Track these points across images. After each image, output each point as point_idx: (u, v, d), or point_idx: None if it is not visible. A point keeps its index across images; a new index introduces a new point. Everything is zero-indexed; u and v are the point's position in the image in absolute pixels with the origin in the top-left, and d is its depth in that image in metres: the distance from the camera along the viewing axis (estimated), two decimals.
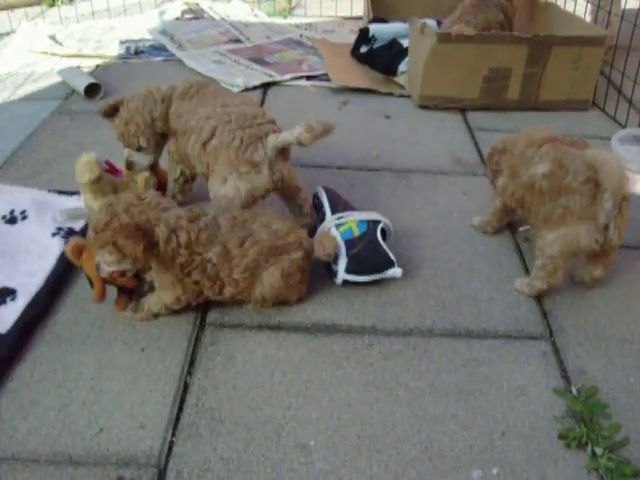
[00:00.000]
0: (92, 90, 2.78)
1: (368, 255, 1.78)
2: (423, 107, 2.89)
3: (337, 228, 1.83)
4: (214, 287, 1.60)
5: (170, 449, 1.37)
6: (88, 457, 1.34)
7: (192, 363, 1.57)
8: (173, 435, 1.40)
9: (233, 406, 1.46)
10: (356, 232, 1.81)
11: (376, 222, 1.86)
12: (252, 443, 1.38)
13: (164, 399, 1.47)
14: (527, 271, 1.90)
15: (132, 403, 1.46)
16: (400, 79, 3.05)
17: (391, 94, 3.01)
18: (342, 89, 3.05)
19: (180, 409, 1.46)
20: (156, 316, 1.68)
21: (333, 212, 1.88)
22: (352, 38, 3.51)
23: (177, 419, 1.43)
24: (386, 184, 2.31)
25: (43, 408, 1.44)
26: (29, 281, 1.76)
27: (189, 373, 1.54)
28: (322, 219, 1.90)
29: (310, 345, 1.63)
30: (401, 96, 3.02)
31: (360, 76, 3.11)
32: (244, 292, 1.64)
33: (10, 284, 1.75)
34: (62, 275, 1.80)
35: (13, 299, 1.71)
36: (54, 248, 1.87)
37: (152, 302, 1.65)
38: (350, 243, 1.79)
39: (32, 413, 1.42)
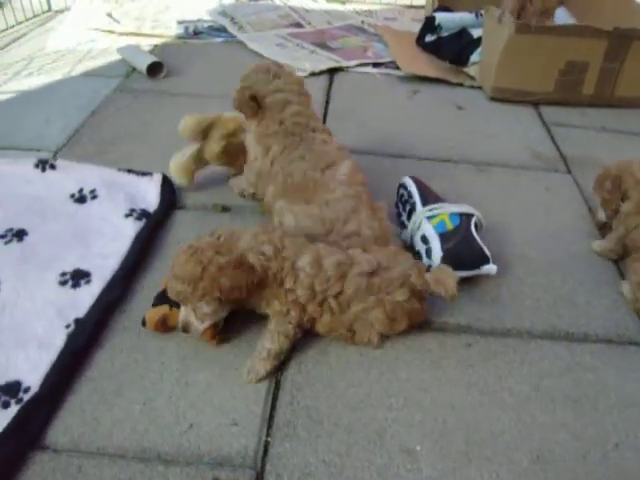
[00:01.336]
0: (154, 69, 2.69)
1: (463, 250, 1.68)
2: (495, 99, 2.77)
3: (429, 220, 1.73)
4: (313, 301, 1.42)
5: (266, 449, 1.27)
6: (178, 455, 1.25)
7: None
8: (268, 434, 1.30)
9: (331, 405, 1.37)
10: (449, 225, 1.71)
11: (469, 215, 1.76)
12: (354, 446, 1.29)
13: (255, 395, 1.38)
14: (620, 273, 1.80)
15: (221, 398, 1.37)
16: (470, 70, 2.93)
17: (461, 85, 2.90)
18: (410, 78, 2.93)
19: (273, 406, 1.36)
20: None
21: (424, 204, 1.77)
22: (413, 26, 3.40)
23: (271, 417, 1.34)
24: (466, 176, 2.20)
25: (127, 400, 1.35)
26: (103, 264, 1.67)
27: (279, 367, 1.44)
28: (411, 210, 1.80)
29: (405, 342, 1.53)
30: (471, 87, 2.90)
31: (428, 65, 3.00)
32: (342, 327, 1.48)
33: (83, 266, 1.67)
34: (137, 259, 1.70)
35: (88, 282, 1.62)
36: (128, 230, 1.78)
37: (271, 344, 1.45)
38: (444, 237, 1.68)
39: (116, 405, 1.34)
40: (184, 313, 1.41)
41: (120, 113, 2.45)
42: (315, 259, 1.40)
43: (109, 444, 1.26)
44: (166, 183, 1.97)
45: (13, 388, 1.34)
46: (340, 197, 1.60)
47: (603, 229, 1.93)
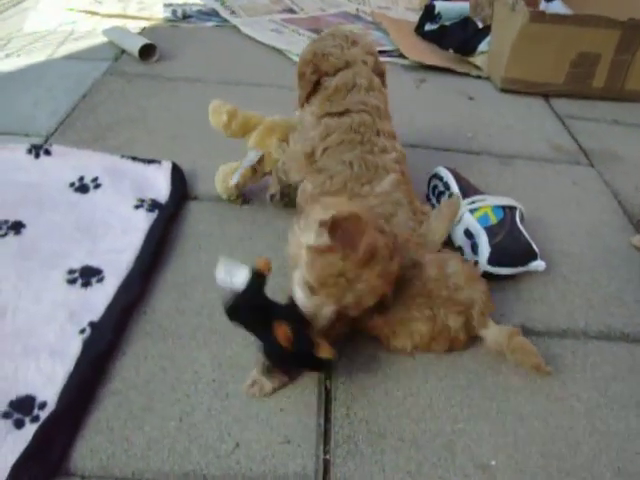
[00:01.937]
0: (146, 52, 2.49)
1: (511, 245, 1.55)
2: (505, 90, 2.66)
3: (472, 214, 1.60)
4: None
5: (326, 469, 1.12)
6: (227, 479, 1.08)
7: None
8: (325, 452, 1.15)
9: (391, 417, 1.23)
10: (493, 219, 1.58)
11: (512, 208, 1.64)
12: (425, 463, 1.15)
13: (306, 408, 1.22)
14: None
15: (268, 411, 1.21)
16: (477, 59, 2.83)
17: (467, 74, 2.78)
18: (415, 66, 2.82)
19: (327, 419, 1.21)
20: None
21: (464, 196, 1.64)
22: (408, 15, 3.29)
23: (326, 431, 1.18)
24: (490, 169, 2.09)
25: (160, 415, 1.17)
26: (116, 260, 1.49)
27: (327, 376, 1.29)
28: None
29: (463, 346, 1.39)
30: (478, 77, 2.79)
31: (432, 54, 2.89)
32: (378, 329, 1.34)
33: (93, 263, 1.48)
34: (154, 254, 1.52)
35: (100, 280, 1.44)
36: (140, 222, 1.60)
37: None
38: (490, 231, 1.56)
39: (147, 421, 1.16)
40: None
41: (114, 97, 2.25)
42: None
43: (145, 467, 1.09)
44: (176, 171, 1.79)
45: (25, 404, 1.16)
46: (377, 204, 1.43)
47: None
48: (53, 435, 1.11)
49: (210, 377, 1.26)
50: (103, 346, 1.28)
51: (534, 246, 1.57)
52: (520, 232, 1.59)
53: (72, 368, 1.22)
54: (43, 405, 1.15)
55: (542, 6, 2.89)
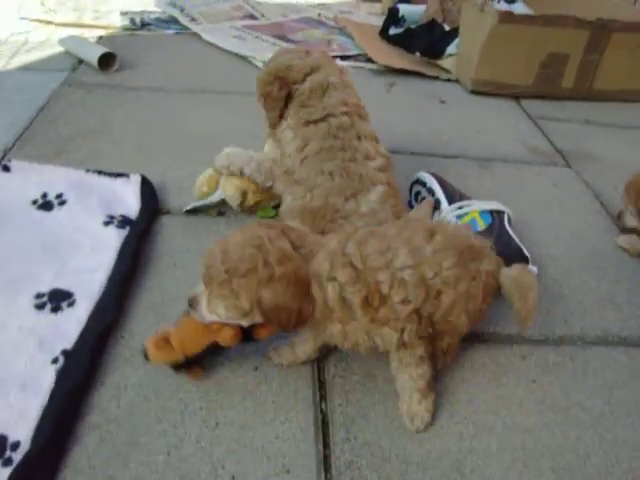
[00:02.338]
0: (105, 61, 2.38)
1: (501, 251, 1.48)
2: (475, 92, 2.63)
3: (459, 219, 1.54)
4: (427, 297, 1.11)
5: None
6: None
7: (322, 384, 1.24)
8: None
9: (393, 438, 1.15)
10: (482, 224, 1.54)
11: (500, 212, 1.59)
12: None
13: (303, 432, 1.14)
14: None
15: (263, 439, 1.12)
16: (444, 62, 2.79)
17: (437, 77, 2.74)
18: (383, 71, 2.77)
19: (326, 444, 1.13)
20: None
21: (450, 202, 1.58)
22: (371, 20, 3.25)
23: (325, 457, 1.10)
24: (469, 172, 2.04)
25: (146, 450, 1.08)
26: (87, 281, 1.39)
27: (322, 397, 1.21)
28: (433, 210, 1.60)
29: (457, 358, 1.33)
30: (447, 80, 2.76)
31: (399, 57, 2.84)
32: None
33: (62, 285, 1.38)
34: (128, 273, 1.42)
35: (71, 304, 1.34)
36: (111, 240, 1.50)
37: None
38: None
39: (133, 458, 1.07)
40: (200, 288, 1.12)
41: (74, 108, 2.14)
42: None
43: None
44: (146, 184, 1.69)
45: None
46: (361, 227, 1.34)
47: (629, 232, 1.80)
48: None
49: (197, 405, 1.17)
50: (79, 376, 1.18)
51: (525, 251, 1.53)
52: (510, 237, 1.54)
53: (46, 402, 1.13)
54: (16, 445, 1.05)
55: (504, 7, 2.86)
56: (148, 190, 1.69)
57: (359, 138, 1.45)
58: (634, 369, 1.38)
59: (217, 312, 1.10)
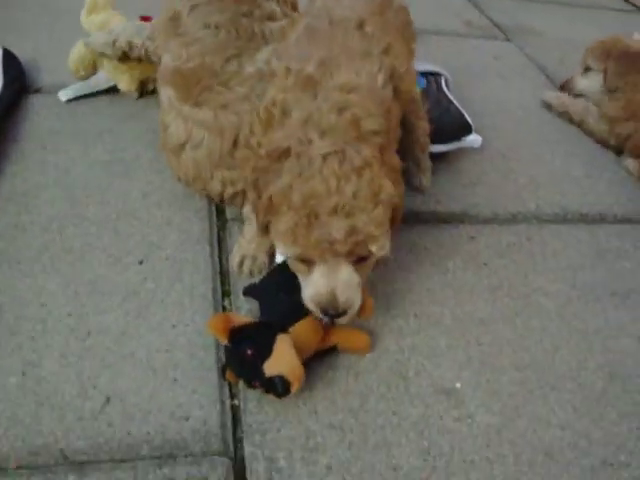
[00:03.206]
0: None
1: (441, 117, 1.24)
2: None
3: None
4: None
5: (235, 418, 0.78)
6: (99, 452, 0.73)
7: (224, 277, 0.96)
8: (232, 396, 0.81)
9: None
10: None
11: (436, 75, 1.31)
12: (370, 395, 0.86)
13: (201, 337, 0.88)
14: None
15: (148, 349, 0.87)
16: None
17: None
18: None
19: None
20: None
21: None
22: None
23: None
24: None
25: None
26: None
27: (224, 293, 0.94)
28: None
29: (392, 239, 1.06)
30: None
31: None
32: None
33: None
34: None
35: None
36: None
37: None
38: None
39: None
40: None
41: None
42: None
43: None
44: (9, 58, 1.33)
45: None
46: (241, 98, 1.02)
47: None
48: None
49: (64, 311, 0.87)
50: None
51: (467, 117, 1.26)
52: (450, 101, 1.28)
53: None
54: None
55: None
56: (14, 64, 1.33)
57: None
58: (598, 248, 1.17)
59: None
